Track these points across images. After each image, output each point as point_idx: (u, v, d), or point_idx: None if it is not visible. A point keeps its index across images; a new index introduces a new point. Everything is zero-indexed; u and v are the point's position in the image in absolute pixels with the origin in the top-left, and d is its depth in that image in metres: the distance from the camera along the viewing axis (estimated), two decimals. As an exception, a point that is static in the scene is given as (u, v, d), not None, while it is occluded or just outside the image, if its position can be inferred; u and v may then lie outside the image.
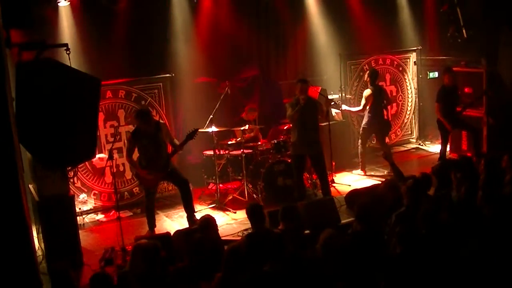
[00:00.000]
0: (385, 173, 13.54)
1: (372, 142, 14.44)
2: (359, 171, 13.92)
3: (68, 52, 8.28)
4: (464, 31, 14.99)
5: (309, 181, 12.72)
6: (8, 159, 6.11)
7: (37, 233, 10.00)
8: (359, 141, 13.88)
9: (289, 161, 12.29)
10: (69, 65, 7.63)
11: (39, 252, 9.62)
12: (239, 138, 12.65)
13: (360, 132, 13.90)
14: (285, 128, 13.09)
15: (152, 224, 11.07)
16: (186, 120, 13.60)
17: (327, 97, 13.21)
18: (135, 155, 10.84)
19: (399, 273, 6.55)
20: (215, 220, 8.54)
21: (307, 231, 8.81)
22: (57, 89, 6.96)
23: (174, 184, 11.50)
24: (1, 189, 6.06)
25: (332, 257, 6.69)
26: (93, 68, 11.18)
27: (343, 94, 14.77)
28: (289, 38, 15.24)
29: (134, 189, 12.62)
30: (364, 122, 13.65)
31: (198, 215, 11.49)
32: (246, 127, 12.61)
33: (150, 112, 10.95)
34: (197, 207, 12.26)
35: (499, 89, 13.55)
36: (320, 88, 13.70)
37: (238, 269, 6.52)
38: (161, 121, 11.30)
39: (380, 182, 11.48)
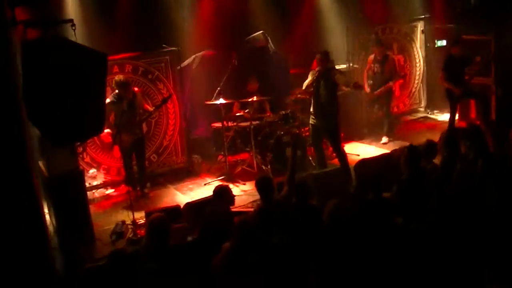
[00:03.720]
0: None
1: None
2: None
3: (73, 28, 8.28)
4: (471, -2, 14.93)
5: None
6: (16, 136, 6.16)
7: (48, 209, 10.06)
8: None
9: (297, 132, 12.32)
10: (75, 41, 7.63)
11: (50, 228, 9.67)
12: (241, 113, 12.70)
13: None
14: (293, 99, 13.08)
15: (132, 183, 11.59)
16: (193, 93, 13.60)
17: (334, 67, 13.14)
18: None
19: (406, 244, 6.57)
20: (230, 189, 8.52)
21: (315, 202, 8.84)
22: (63, 65, 6.97)
23: (135, 153, 11.68)
24: (12, 166, 6.12)
25: (337, 227, 6.70)
26: (99, 43, 11.10)
27: (350, 64, 14.72)
28: (295, 8, 15.12)
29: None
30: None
31: (208, 187, 11.62)
32: (254, 98, 12.57)
33: (130, 81, 11.45)
34: (207, 179, 12.34)
35: (507, 57, 13.45)
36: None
37: (248, 242, 6.54)
38: (135, 89, 11.47)
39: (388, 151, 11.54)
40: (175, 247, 7.22)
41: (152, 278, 6.33)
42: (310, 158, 12.37)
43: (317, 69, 11.30)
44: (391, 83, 13.94)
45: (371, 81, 13.93)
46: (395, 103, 15.74)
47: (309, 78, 11.37)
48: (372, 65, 13.88)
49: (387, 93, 14.01)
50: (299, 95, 12.89)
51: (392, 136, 14.12)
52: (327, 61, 11.45)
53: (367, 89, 13.89)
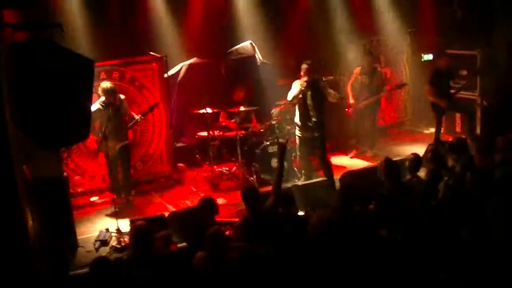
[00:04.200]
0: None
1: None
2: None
3: (62, 32, 8.24)
4: (458, 12, 14.97)
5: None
6: (1, 140, 6.09)
7: (31, 215, 9.96)
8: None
9: (283, 142, 12.32)
10: (63, 45, 7.59)
11: (33, 234, 9.58)
12: (227, 123, 12.68)
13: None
14: (279, 109, 13.09)
15: (117, 190, 11.49)
16: (180, 101, 13.57)
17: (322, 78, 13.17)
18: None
19: (388, 256, 6.56)
20: (215, 200, 8.57)
21: (301, 213, 8.84)
22: (50, 69, 6.92)
23: (121, 160, 11.66)
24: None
25: (323, 238, 6.69)
26: (86, 48, 11.13)
27: (341, 75, 14.74)
28: (285, 18, 15.10)
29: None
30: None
31: (192, 196, 11.61)
32: (241, 108, 12.55)
33: (116, 88, 11.45)
34: (192, 188, 12.32)
35: (493, 71, 13.54)
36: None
37: (221, 250, 6.60)
38: (121, 96, 11.49)
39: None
40: (161, 255, 7.19)
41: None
42: (296, 169, 12.35)
43: (304, 79, 11.27)
44: (380, 95, 13.94)
45: (359, 94, 13.82)
46: (381, 115, 15.78)
47: (295, 89, 11.34)
48: (359, 76, 13.75)
49: (373, 106, 13.97)
50: (286, 106, 12.89)
51: (375, 149, 14.10)
52: (314, 71, 11.45)
53: (351, 101, 13.78)
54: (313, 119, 11.40)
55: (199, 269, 6.70)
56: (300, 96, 11.27)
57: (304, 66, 11.37)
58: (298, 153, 11.91)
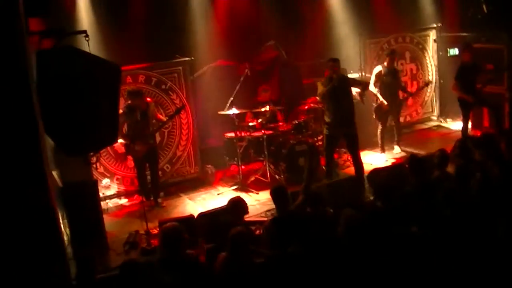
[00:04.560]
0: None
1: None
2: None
3: (87, 38, 8.30)
4: (484, 6, 14.87)
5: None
6: (33, 147, 6.18)
7: (62, 219, 10.08)
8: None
9: (311, 141, 12.33)
10: (89, 51, 7.66)
11: (65, 238, 9.69)
12: (254, 123, 12.70)
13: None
14: (305, 108, 13.10)
15: (146, 193, 11.66)
16: (206, 103, 13.61)
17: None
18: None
19: (419, 251, 6.54)
20: (244, 200, 8.59)
21: (331, 210, 8.84)
22: (77, 75, 6.98)
23: (149, 163, 11.74)
24: (28, 176, 6.14)
25: (353, 237, 6.71)
26: (112, 54, 11.17)
27: (363, 73, 14.71)
28: (307, 18, 15.13)
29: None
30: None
31: (221, 197, 11.63)
32: (267, 108, 12.57)
33: (142, 91, 11.61)
34: (220, 189, 12.36)
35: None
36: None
37: (241, 253, 6.63)
38: (148, 99, 11.60)
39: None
40: (190, 257, 7.23)
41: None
42: (324, 168, 12.34)
43: (331, 76, 11.26)
44: (405, 95, 14.00)
45: (384, 94, 13.63)
46: (408, 112, 15.76)
47: (322, 87, 11.35)
48: (384, 77, 13.51)
49: (398, 104, 13.93)
50: (312, 105, 12.90)
51: (402, 145, 14.04)
52: (339, 67, 11.47)
53: (384, 102, 13.56)
54: (346, 116, 11.42)
55: (219, 270, 6.74)
56: (330, 93, 11.25)
57: (330, 63, 11.35)
58: (325, 152, 11.87)
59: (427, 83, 14.42)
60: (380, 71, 13.29)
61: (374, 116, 13.71)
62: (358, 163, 11.73)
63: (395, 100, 13.57)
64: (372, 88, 13.23)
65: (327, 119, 11.56)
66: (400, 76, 14.01)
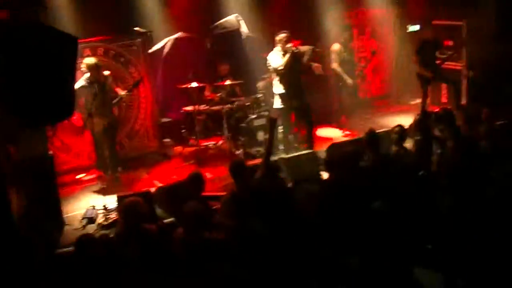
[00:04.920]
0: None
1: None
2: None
3: (44, 10, 8.18)
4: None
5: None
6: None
7: (17, 194, 9.93)
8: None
9: (269, 115, 12.32)
10: (46, 23, 7.54)
11: (19, 213, 9.56)
12: (213, 97, 12.62)
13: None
14: (265, 82, 13.07)
15: (104, 168, 11.46)
16: (165, 77, 13.49)
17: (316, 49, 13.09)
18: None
19: (378, 227, 6.56)
20: (203, 175, 8.56)
21: (289, 184, 8.85)
22: (33, 47, 6.86)
23: (107, 137, 11.55)
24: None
25: (313, 211, 6.72)
26: (70, 26, 11.02)
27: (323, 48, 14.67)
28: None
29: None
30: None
31: (179, 171, 11.58)
32: (227, 82, 12.50)
33: (100, 64, 11.32)
34: (177, 163, 12.31)
35: (479, 41, 13.54)
36: (301, 41, 13.62)
37: (200, 227, 6.61)
38: (106, 73, 11.41)
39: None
40: (149, 231, 7.18)
41: (127, 264, 6.29)
42: (291, 137, 12.35)
43: (286, 48, 11.30)
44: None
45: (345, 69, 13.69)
46: (367, 87, 15.82)
47: (278, 57, 11.44)
48: (344, 53, 13.63)
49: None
50: (271, 79, 12.86)
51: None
52: (290, 39, 11.51)
53: (349, 81, 13.67)
54: (300, 86, 11.45)
55: (176, 246, 6.71)
56: (290, 63, 11.28)
57: (283, 35, 11.39)
58: (281, 126, 11.86)
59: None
60: (339, 48, 13.27)
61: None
62: (309, 135, 11.94)
63: (353, 76, 13.74)
64: (335, 66, 13.24)
65: (280, 91, 11.56)
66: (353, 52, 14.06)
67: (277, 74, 11.59)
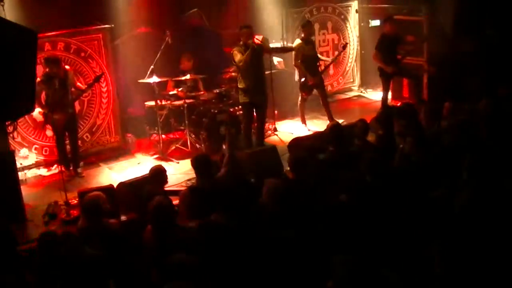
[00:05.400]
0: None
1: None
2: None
3: (2, 3, 8.09)
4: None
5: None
6: None
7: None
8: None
9: (232, 110, 12.32)
10: (3, 17, 7.45)
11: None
12: (174, 91, 12.58)
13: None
14: (227, 77, 13.07)
15: (65, 163, 11.44)
16: (127, 72, 13.41)
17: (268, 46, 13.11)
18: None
19: (345, 221, 6.59)
20: (164, 169, 8.53)
21: (252, 180, 8.86)
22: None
23: (68, 132, 11.56)
24: None
25: (277, 206, 6.75)
26: (29, 20, 10.88)
27: (285, 43, 14.71)
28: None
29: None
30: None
31: (141, 166, 11.54)
32: (188, 76, 12.47)
33: (60, 59, 11.32)
34: (140, 158, 12.26)
35: (439, 37, 13.66)
36: (263, 37, 13.63)
37: (167, 221, 6.61)
38: (66, 67, 11.41)
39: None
40: (110, 226, 7.16)
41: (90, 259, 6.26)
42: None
43: (247, 43, 11.32)
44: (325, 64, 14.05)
45: (307, 67, 13.34)
46: (329, 81, 15.87)
47: (239, 54, 11.40)
48: (306, 48, 13.28)
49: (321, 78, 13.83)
50: (233, 74, 12.85)
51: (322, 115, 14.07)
52: (253, 34, 11.58)
53: (310, 77, 13.29)
54: (262, 84, 11.60)
55: (147, 243, 6.70)
56: (248, 60, 11.30)
57: (245, 30, 11.42)
58: (245, 120, 11.87)
59: (344, 46, 14.17)
60: (300, 44, 13.23)
61: (299, 88, 13.67)
62: (261, 130, 12.06)
63: (317, 71, 13.48)
64: (296, 62, 13.24)
65: (243, 86, 11.60)
66: (315, 47, 13.88)
67: (239, 69, 11.59)
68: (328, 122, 12.77)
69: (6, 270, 6.22)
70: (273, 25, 14.86)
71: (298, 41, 13.30)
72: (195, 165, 8.23)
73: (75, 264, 6.03)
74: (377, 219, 6.59)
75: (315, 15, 15.38)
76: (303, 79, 13.38)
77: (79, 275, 5.95)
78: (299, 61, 13.13)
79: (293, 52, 13.27)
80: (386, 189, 7.13)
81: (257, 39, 11.66)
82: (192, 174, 8.58)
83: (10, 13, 10.24)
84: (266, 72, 12.37)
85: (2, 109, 7.13)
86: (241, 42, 11.46)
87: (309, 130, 13.33)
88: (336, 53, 14.70)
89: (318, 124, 13.58)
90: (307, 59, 13.15)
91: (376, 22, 15.65)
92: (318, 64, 13.47)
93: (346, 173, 7.71)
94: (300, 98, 13.65)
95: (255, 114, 12.00)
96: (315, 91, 13.57)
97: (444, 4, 13.67)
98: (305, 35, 13.27)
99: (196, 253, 5.87)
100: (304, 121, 13.73)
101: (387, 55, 13.14)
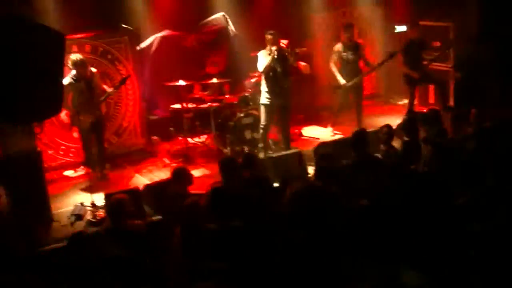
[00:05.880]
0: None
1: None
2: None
3: (31, 6, 8.17)
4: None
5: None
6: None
7: (5, 191, 9.91)
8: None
9: (257, 113, 12.35)
10: (32, 19, 7.53)
11: (7, 210, 9.54)
12: (200, 95, 12.62)
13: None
14: (252, 81, 13.10)
15: (92, 165, 11.43)
16: (153, 74, 13.49)
17: (295, 50, 13.11)
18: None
19: (365, 224, 6.57)
20: (188, 170, 8.54)
21: (276, 184, 8.86)
22: (20, 43, 6.86)
23: (95, 134, 11.62)
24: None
25: (299, 211, 6.73)
26: (57, 22, 10.99)
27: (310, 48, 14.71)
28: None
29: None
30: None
31: (167, 169, 11.59)
32: (214, 80, 12.50)
33: (87, 61, 11.39)
34: (166, 161, 12.32)
35: (466, 43, 13.58)
36: (288, 41, 13.64)
37: (198, 222, 6.60)
38: (93, 69, 11.50)
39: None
40: (136, 228, 7.21)
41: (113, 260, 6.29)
42: (270, 141, 12.37)
43: (273, 48, 11.34)
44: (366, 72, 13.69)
45: (344, 71, 13.23)
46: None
47: (264, 58, 11.46)
48: (344, 53, 13.18)
49: (360, 83, 13.57)
50: (258, 77, 12.88)
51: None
52: (278, 40, 11.56)
53: (341, 81, 13.15)
54: (284, 86, 11.58)
55: (174, 243, 6.71)
56: (272, 64, 11.36)
57: (269, 36, 11.45)
58: (263, 123, 11.87)
59: (391, 55, 13.84)
60: (338, 48, 13.13)
61: (333, 93, 13.60)
62: (287, 136, 12.03)
63: (356, 76, 13.23)
64: (331, 66, 13.17)
65: (265, 89, 11.66)
66: (363, 49, 13.66)
67: (263, 74, 11.64)
68: (355, 127, 12.85)
69: (27, 271, 6.28)
70: (300, 29, 14.85)
71: (338, 45, 13.21)
72: (222, 167, 8.25)
73: (101, 264, 6.07)
74: (399, 225, 6.56)
75: (341, 20, 15.33)
76: (343, 82, 13.19)
77: (104, 276, 5.98)
78: (335, 64, 13.04)
79: (333, 56, 13.19)
80: (407, 195, 7.09)
81: (282, 43, 11.68)
82: (218, 177, 8.59)
83: (38, 15, 10.34)
84: (291, 77, 12.35)
85: (29, 110, 7.19)
86: (266, 47, 11.49)
87: (334, 134, 13.28)
88: (382, 60, 14.42)
89: (343, 129, 13.49)
90: (345, 62, 13.04)
91: (402, 28, 15.58)
92: (358, 68, 13.33)
93: (368, 178, 7.69)
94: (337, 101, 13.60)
95: (277, 117, 12.03)
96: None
97: (470, 9, 13.60)
98: (346, 38, 13.17)
99: (220, 257, 5.90)
100: (333, 124, 13.66)
101: (412, 60, 13.07)
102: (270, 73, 11.52)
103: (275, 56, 11.30)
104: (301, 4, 14.85)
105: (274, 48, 11.33)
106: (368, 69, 13.70)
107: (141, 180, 11.32)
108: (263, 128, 11.85)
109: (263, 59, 11.44)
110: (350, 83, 13.07)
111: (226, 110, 12.71)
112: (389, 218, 6.59)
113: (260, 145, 11.98)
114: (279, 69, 11.46)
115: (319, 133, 13.56)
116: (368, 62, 13.59)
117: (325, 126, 13.83)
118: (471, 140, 8.69)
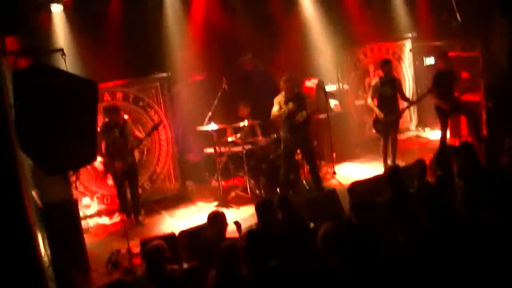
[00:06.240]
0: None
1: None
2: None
3: (63, 56, 8.27)
4: (457, 14, 14.93)
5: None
6: (9, 166, 6.11)
7: (43, 240, 9.98)
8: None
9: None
10: (65, 69, 7.62)
11: (45, 259, 9.59)
12: (233, 138, 12.67)
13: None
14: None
15: (127, 212, 11.59)
16: (185, 119, 13.57)
17: (325, 89, 13.14)
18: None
19: (403, 263, 6.51)
20: (223, 214, 8.52)
21: (312, 225, 8.81)
22: (54, 94, 6.94)
23: (129, 180, 11.75)
24: (5, 197, 6.07)
25: (331, 250, 6.69)
26: (89, 71, 11.16)
27: (341, 85, 14.73)
28: (283, 29, 15.08)
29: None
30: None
31: (202, 213, 11.56)
32: (246, 123, 12.52)
33: (119, 107, 11.60)
34: (200, 205, 12.31)
35: (496, 72, 13.50)
36: (318, 79, 13.67)
37: (235, 266, 6.56)
38: (125, 116, 11.70)
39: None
40: (174, 274, 7.19)
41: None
42: (304, 182, 12.35)
43: (282, 94, 11.61)
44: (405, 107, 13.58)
45: (382, 106, 13.04)
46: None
47: (277, 106, 11.65)
48: (382, 89, 12.98)
49: (397, 115, 13.35)
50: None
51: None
52: (292, 85, 11.67)
53: (380, 115, 12.97)
54: (300, 133, 11.80)
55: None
56: (285, 113, 11.58)
57: (281, 82, 11.65)
58: (284, 165, 12.07)
59: (429, 90, 13.62)
60: (376, 83, 13.09)
61: (373, 130, 13.57)
62: (315, 175, 12.09)
63: (394, 111, 13.12)
64: (369, 101, 13.11)
65: (283, 135, 11.91)
66: (400, 84, 13.49)
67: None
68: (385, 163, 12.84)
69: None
70: (328, 66, 14.89)
71: (374, 80, 13.24)
72: (258, 209, 8.22)
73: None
74: (436, 263, 6.50)
75: (368, 56, 15.35)
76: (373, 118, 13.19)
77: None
78: (372, 99, 13.00)
79: (370, 91, 13.17)
80: (444, 231, 7.01)
81: (313, 82, 11.70)
82: (253, 220, 8.56)
83: (70, 65, 10.48)
84: (322, 116, 12.39)
85: (65, 159, 7.25)
86: (281, 92, 11.55)
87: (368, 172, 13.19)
88: (420, 95, 14.28)
89: (377, 166, 13.43)
90: (383, 98, 13.00)
91: (430, 60, 15.55)
92: (395, 105, 13.20)
93: (404, 215, 7.63)
94: (381, 141, 13.44)
95: (303, 159, 12.25)
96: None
97: (498, 38, 13.54)
98: (383, 73, 13.13)
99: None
100: (385, 161, 13.42)
101: (443, 92, 12.97)
102: (286, 119, 11.69)
103: (283, 107, 11.56)
104: (329, 41, 14.90)
105: (283, 94, 11.62)
106: (407, 104, 13.61)
107: (177, 225, 11.31)
108: (282, 172, 11.99)
109: (276, 105, 11.60)
110: (390, 118, 12.98)
111: (259, 152, 12.71)
112: (426, 256, 6.54)
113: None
114: (293, 117, 11.63)
115: (353, 171, 13.48)
116: (406, 97, 13.54)
117: (360, 163, 13.78)
118: (508, 171, 8.60)
